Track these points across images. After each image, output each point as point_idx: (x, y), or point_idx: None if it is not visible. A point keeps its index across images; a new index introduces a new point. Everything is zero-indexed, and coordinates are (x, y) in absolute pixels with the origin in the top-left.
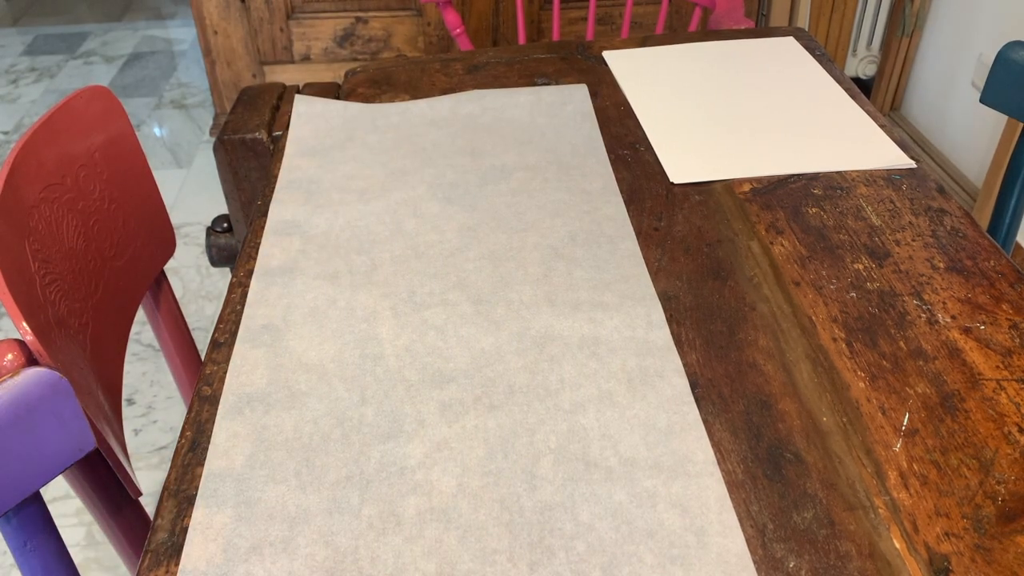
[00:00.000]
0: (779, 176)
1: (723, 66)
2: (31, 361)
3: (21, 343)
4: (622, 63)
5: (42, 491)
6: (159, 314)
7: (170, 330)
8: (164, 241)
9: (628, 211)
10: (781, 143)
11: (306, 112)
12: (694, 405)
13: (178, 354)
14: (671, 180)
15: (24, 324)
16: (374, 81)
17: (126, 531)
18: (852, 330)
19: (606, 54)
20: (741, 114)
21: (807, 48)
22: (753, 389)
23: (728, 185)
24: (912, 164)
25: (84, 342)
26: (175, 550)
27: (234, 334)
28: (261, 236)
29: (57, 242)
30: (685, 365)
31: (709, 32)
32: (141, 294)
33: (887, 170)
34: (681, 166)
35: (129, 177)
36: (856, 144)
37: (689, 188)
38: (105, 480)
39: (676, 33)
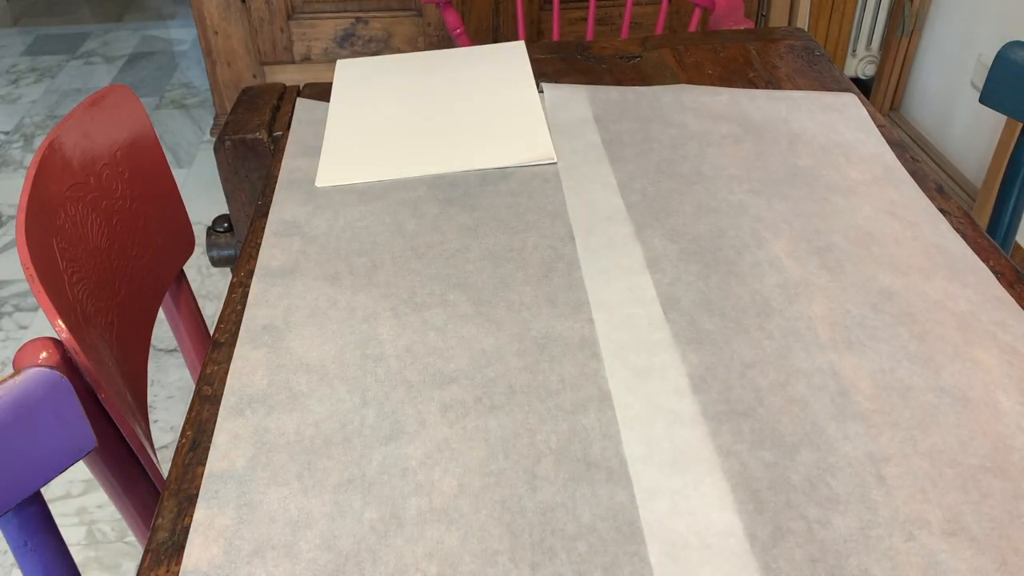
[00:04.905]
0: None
1: (446, 74)
2: (65, 358)
3: (56, 341)
4: (349, 72)
5: (43, 491)
6: (178, 313)
7: (189, 328)
8: (183, 239)
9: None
10: (453, 143)
11: (307, 118)
12: (693, 399)
13: (196, 353)
14: (316, 184)
15: (59, 322)
16: None
17: (148, 521)
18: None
19: (338, 63)
20: (431, 118)
21: (805, 48)
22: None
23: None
24: (553, 159)
25: (111, 340)
26: (175, 549)
27: (235, 334)
28: (262, 237)
29: (83, 241)
30: (689, 357)
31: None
32: (162, 292)
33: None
34: (330, 172)
35: (150, 176)
36: (517, 142)
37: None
38: (131, 473)
39: (676, 34)
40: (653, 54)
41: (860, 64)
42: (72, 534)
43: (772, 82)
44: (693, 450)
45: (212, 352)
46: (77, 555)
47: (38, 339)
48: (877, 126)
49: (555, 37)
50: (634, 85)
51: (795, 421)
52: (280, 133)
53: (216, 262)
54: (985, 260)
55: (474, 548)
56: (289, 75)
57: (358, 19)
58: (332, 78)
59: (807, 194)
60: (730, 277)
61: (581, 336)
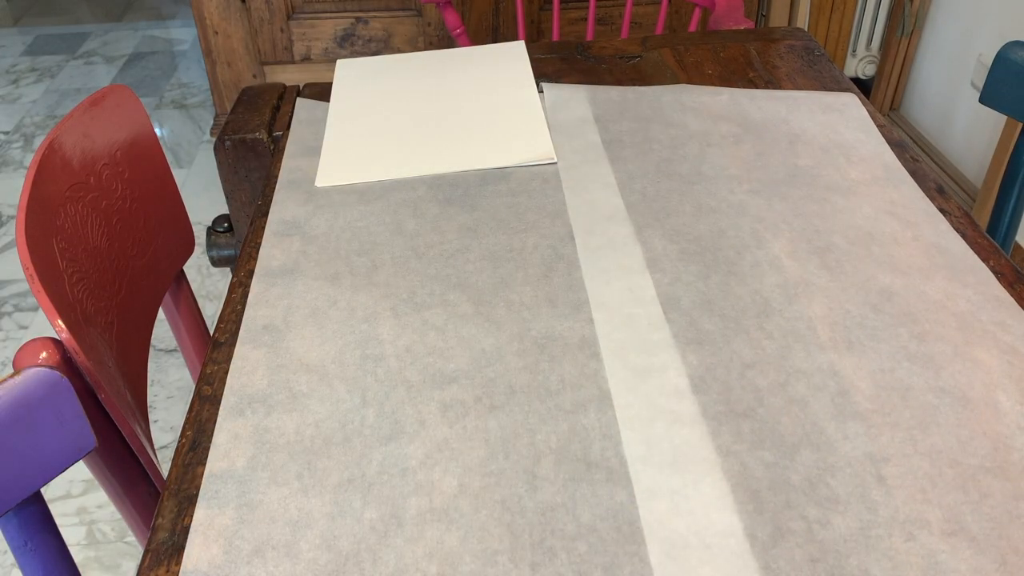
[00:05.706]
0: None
1: (446, 74)
2: (65, 358)
3: (56, 341)
4: (349, 72)
5: (43, 491)
6: (178, 313)
7: (189, 328)
8: (183, 239)
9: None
10: (453, 143)
11: (307, 118)
12: (692, 399)
13: (196, 353)
14: (316, 184)
15: (59, 322)
16: None
17: (148, 521)
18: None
19: (338, 63)
20: (431, 118)
21: (805, 48)
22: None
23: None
24: (553, 159)
25: (111, 340)
26: (175, 549)
27: (235, 334)
28: (262, 236)
29: (82, 241)
30: (689, 357)
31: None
32: (162, 292)
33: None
34: (331, 172)
35: (150, 176)
36: (517, 142)
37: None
38: (131, 473)
39: (676, 34)
40: (653, 54)
41: (860, 64)
42: (72, 534)
43: (772, 82)
44: (693, 450)
45: (212, 352)
46: (77, 555)
47: (38, 339)
48: (877, 126)
49: (555, 37)
50: (634, 85)
51: (795, 421)
52: (280, 133)
53: (216, 262)
54: (985, 260)
55: (474, 548)
56: (289, 75)
57: (358, 19)
58: (332, 78)
59: (807, 194)
60: (730, 277)
61: (581, 336)
